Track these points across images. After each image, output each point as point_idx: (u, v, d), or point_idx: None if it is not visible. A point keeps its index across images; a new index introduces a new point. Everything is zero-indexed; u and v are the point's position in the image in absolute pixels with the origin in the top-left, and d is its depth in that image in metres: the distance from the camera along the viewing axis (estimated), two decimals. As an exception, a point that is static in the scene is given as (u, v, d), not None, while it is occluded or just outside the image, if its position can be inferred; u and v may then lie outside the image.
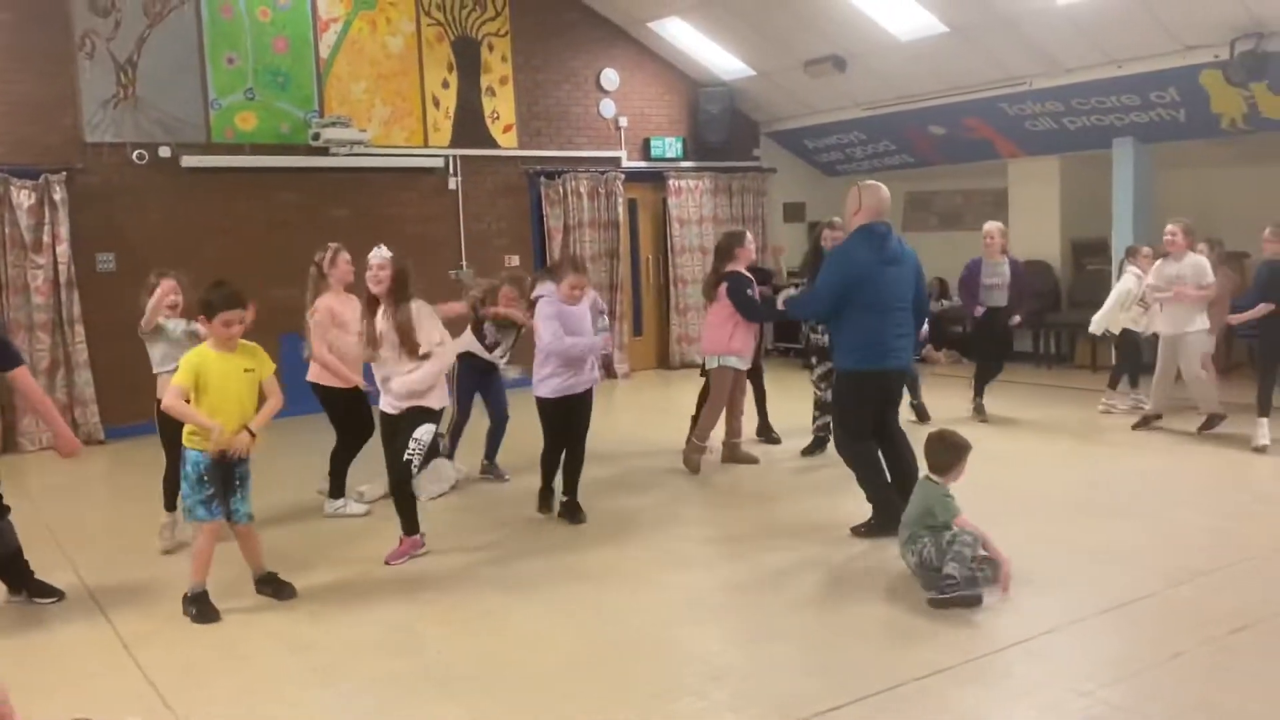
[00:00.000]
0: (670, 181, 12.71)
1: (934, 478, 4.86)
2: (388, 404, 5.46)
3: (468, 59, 11.32)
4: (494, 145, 11.52)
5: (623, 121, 12.35)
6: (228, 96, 9.99)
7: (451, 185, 11.25)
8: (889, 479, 5.59)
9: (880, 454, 5.63)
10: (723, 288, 7.13)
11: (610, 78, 12.22)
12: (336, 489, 6.48)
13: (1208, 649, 3.95)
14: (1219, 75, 9.02)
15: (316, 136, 10.14)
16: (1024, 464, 7.20)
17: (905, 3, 9.94)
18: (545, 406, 6.04)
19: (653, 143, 12.59)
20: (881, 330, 5.44)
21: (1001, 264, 8.82)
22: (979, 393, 8.93)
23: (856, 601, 4.62)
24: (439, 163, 11.13)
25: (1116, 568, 4.91)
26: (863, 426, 5.59)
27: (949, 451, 4.84)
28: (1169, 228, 8.04)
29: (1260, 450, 7.13)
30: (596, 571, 5.21)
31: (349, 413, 6.39)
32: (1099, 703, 3.54)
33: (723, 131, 12.81)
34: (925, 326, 7.99)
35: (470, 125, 11.36)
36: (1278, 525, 5.51)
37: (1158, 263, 8.16)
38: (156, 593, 5.04)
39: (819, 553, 5.33)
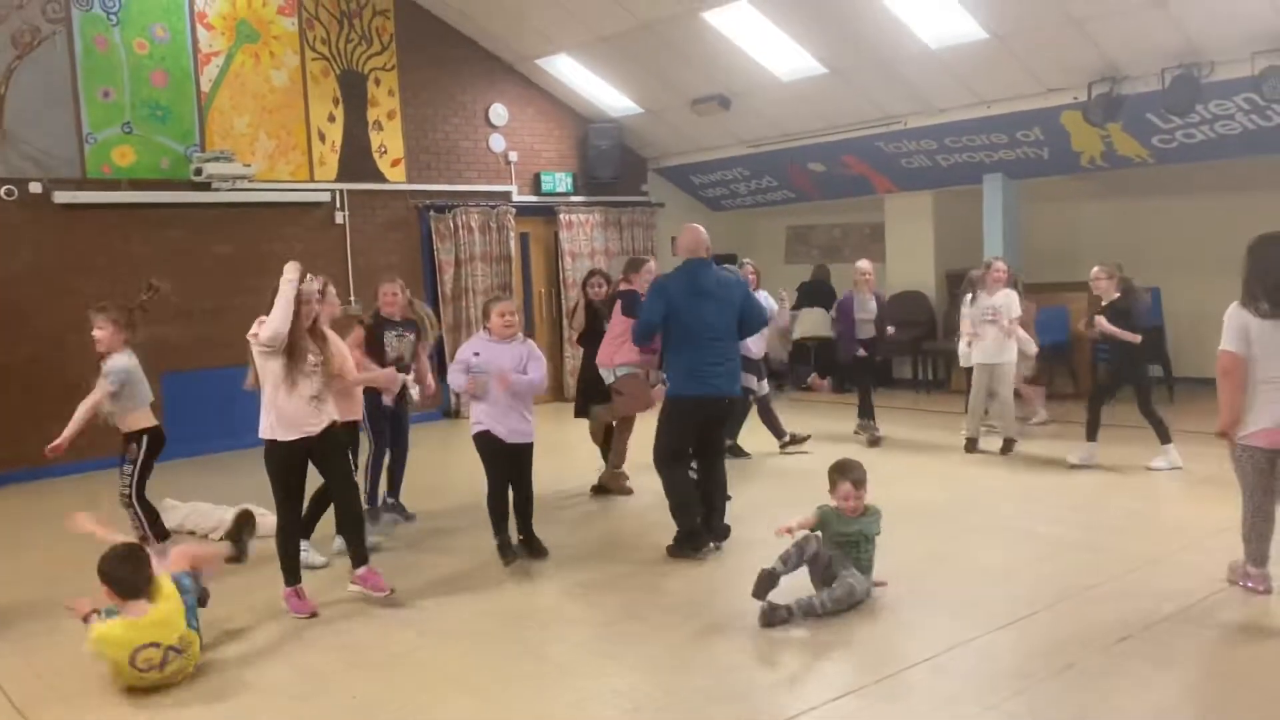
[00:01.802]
0: (561, 215, 12.81)
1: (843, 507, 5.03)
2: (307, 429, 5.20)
3: (354, 93, 11.23)
4: (382, 179, 11.43)
5: (513, 156, 12.41)
6: (103, 131, 9.66)
7: (339, 219, 11.10)
8: (697, 502, 5.97)
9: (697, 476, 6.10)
10: (617, 304, 7.29)
11: (499, 113, 12.27)
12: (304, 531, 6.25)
13: (1098, 659, 4.19)
14: (1078, 116, 9.62)
15: (198, 171, 9.90)
16: (912, 484, 7.47)
17: (787, 44, 10.30)
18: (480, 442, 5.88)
19: (543, 177, 12.68)
20: (696, 359, 5.84)
21: (870, 299, 9.36)
22: (870, 416, 9.36)
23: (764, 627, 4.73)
24: (325, 197, 10.98)
25: (1006, 585, 5.16)
26: (678, 449, 5.98)
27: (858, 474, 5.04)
28: (997, 264, 8.69)
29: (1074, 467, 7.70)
30: (513, 609, 5.20)
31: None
32: (1006, 715, 3.73)
33: (612, 167, 12.99)
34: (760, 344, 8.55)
35: (357, 159, 11.25)
36: (1145, 539, 5.86)
37: (969, 296, 8.82)
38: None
39: (727, 579, 5.43)
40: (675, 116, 12.38)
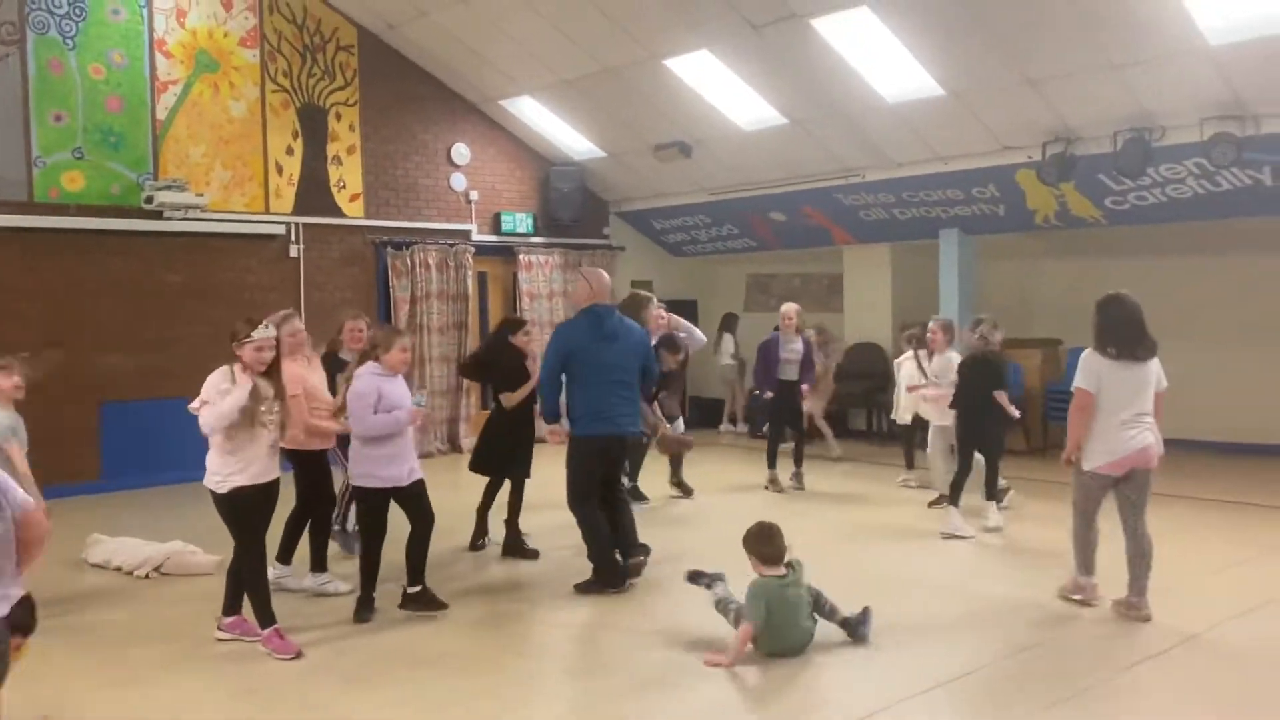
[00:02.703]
0: (521, 256, 12.75)
1: (769, 572, 4.92)
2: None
3: (314, 127, 11.16)
4: (339, 214, 11.33)
5: (473, 195, 12.37)
6: (53, 154, 9.51)
7: (293, 253, 10.98)
8: (609, 539, 6.13)
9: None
10: None
11: (461, 152, 12.25)
12: (317, 562, 6.23)
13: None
14: (1033, 174, 9.73)
15: (150, 199, 9.75)
16: (852, 540, 7.41)
17: (748, 94, 10.37)
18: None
19: (504, 217, 12.64)
20: (600, 399, 6.08)
21: (796, 341, 9.46)
22: (773, 461, 9.41)
23: (703, 679, 4.61)
24: (281, 229, 10.86)
25: (948, 641, 5.09)
26: (588, 488, 6.17)
27: (778, 539, 4.95)
28: (930, 325, 8.70)
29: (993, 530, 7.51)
30: (432, 658, 5.05)
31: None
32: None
33: (573, 209, 12.98)
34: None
35: (315, 193, 11.15)
36: (1079, 605, 5.81)
37: (918, 355, 8.91)
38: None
39: (655, 631, 5.32)
40: (637, 161, 12.41)
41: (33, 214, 9.38)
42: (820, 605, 5.02)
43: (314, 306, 11.02)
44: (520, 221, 12.79)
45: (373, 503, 5.61)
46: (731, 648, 4.79)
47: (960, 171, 10.30)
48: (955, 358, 8.44)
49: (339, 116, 11.34)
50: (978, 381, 7.60)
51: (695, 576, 5.46)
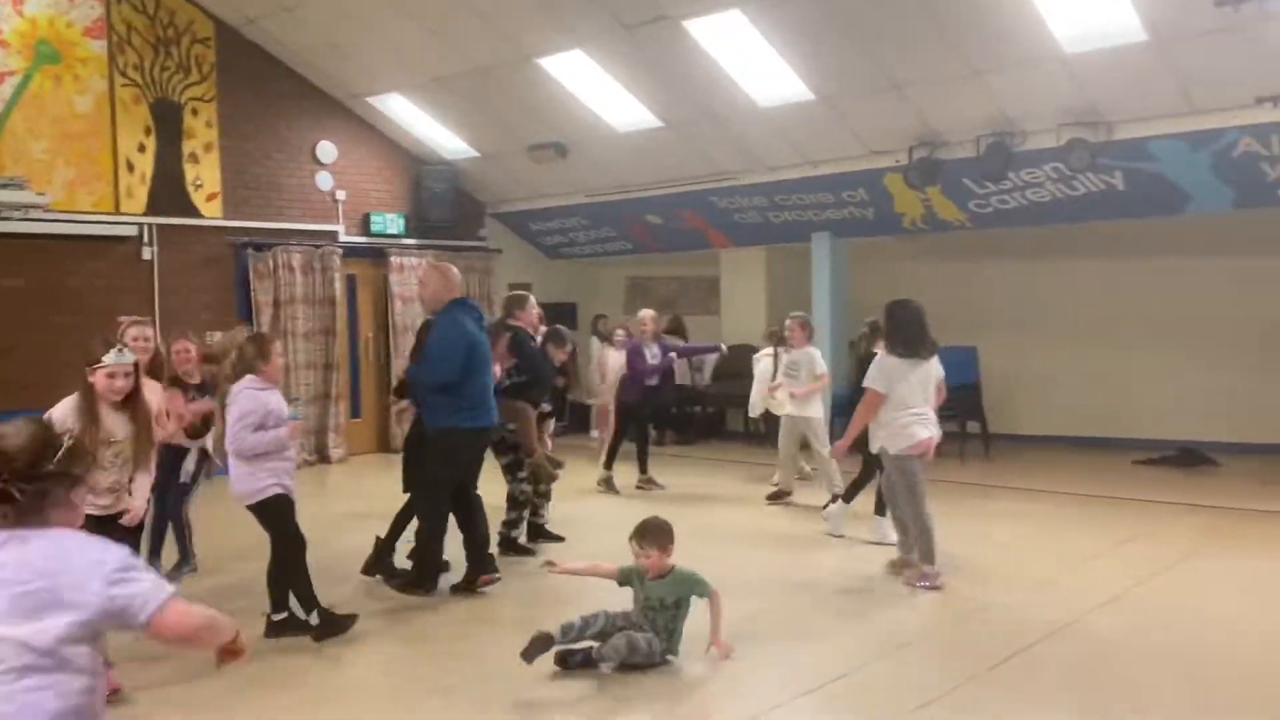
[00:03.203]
0: (392, 258, 12.38)
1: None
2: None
3: (168, 123, 10.59)
4: (196, 214, 10.78)
5: (340, 195, 11.95)
6: (-128, 148, 8.78)
7: (146, 255, 10.39)
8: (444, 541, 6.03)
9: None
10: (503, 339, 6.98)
11: (327, 150, 11.81)
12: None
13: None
14: (900, 178, 9.92)
15: (-16, 198, 9.09)
16: (722, 542, 7.38)
17: (623, 96, 10.28)
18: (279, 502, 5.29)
19: (373, 218, 12.25)
20: (487, 391, 6.04)
21: (654, 346, 9.61)
22: (610, 463, 9.42)
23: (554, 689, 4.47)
24: (132, 230, 10.27)
25: (816, 644, 5.06)
26: (452, 481, 6.02)
27: (665, 535, 4.83)
28: (787, 322, 8.92)
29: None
30: (280, 679, 4.78)
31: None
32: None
33: (447, 210, 12.67)
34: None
35: (169, 192, 10.58)
36: (956, 598, 5.89)
37: (775, 351, 9.20)
38: None
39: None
40: (512, 162, 12.19)
41: None
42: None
43: (170, 312, 10.44)
44: (391, 222, 12.42)
45: (278, 511, 5.23)
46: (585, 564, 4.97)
47: (830, 175, 10.43)
48: (815, 353, 8.68)
49: (195, 112, 10.79)
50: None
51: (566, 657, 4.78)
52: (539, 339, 7.36)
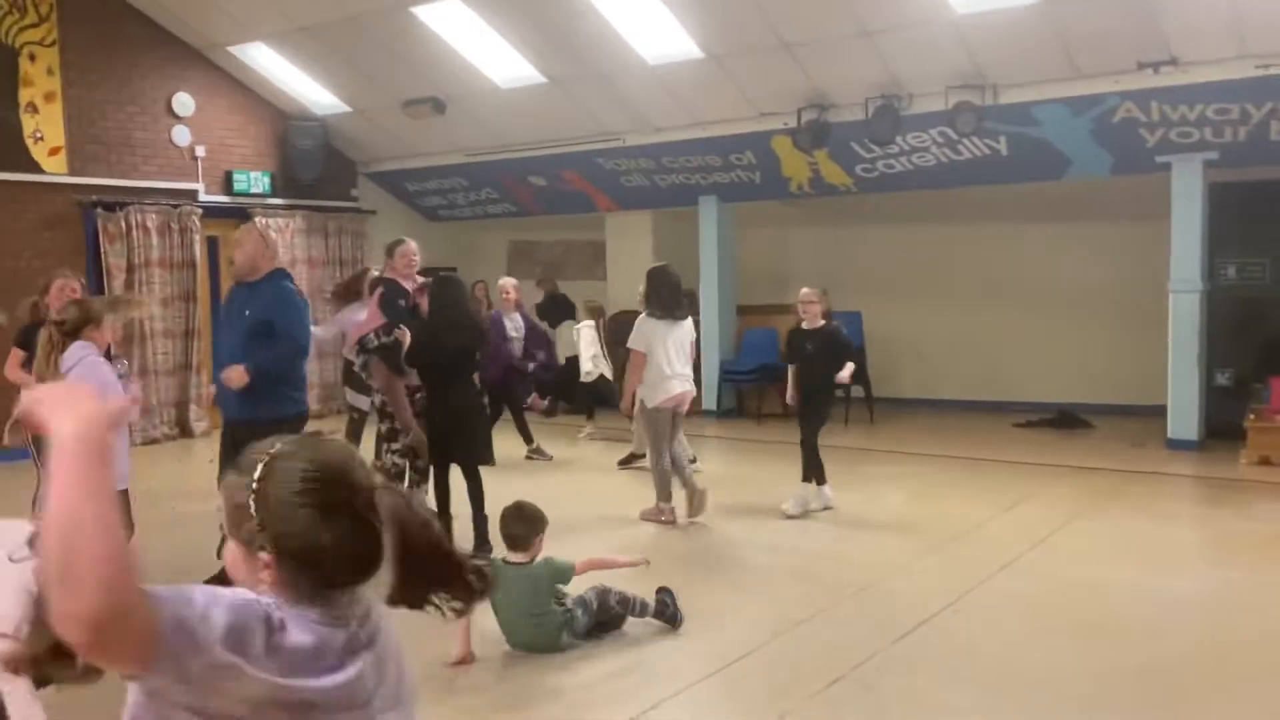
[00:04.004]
0: (258, 219, 11.60)
1: (513, 559, 4.49)
2: None
3: (3, 70, 9.64)
4: (37, 170, 9.88)
5: (200, 151, 11.15)
6: None
7: (-20, 215, 9.50)
8: None
9: None
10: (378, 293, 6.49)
11: (184, 102, 10.99)
12: None
13: (813, 705, 3.94)
14: (788, 141, 9.77)
15: None
16: (609, 518, 7.16)
17: (504, 49, 9.83)
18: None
19: (235, 176, 11.48)
20: (303, 372, 5.66)
21: (516, 316, 9.26)
22: (530, 438, 9.27)
23: (454, 691, 4.16)
24: (-38, 188, 9.36)
25: (718, 621, 4.86)
26: None
27: (530, 523, 4.53)
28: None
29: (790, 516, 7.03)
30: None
31: None
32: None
33: (316, 168, 11.99)
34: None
35: (6, 146, 9.66)
36: (853, 568, 5.78)
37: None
38: None
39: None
40: (387, 118, 11.59)
41: None
42: (611, 607, 4.58)
43: (8, 277, 9.57)
44: (255, 181, 11.67)
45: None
46: (458, 638, 4.30)
47: (718, 138, 10.22)
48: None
49: (33, 58, 9.85)
50: (823, 356, 7.03)
51: None
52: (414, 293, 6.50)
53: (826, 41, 8.61)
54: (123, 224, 10.37)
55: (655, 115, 10.30)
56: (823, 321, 7.29)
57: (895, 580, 5.47)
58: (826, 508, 6.99)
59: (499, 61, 10.09)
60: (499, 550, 4.79)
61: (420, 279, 6.64)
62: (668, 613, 4.67)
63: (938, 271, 11.67)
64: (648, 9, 8.82)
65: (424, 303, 6.37)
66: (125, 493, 4.62)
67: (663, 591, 4.74)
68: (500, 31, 9.58)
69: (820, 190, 10.54)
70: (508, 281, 9.41)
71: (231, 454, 5.29)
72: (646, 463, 7.67)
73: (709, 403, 11.40)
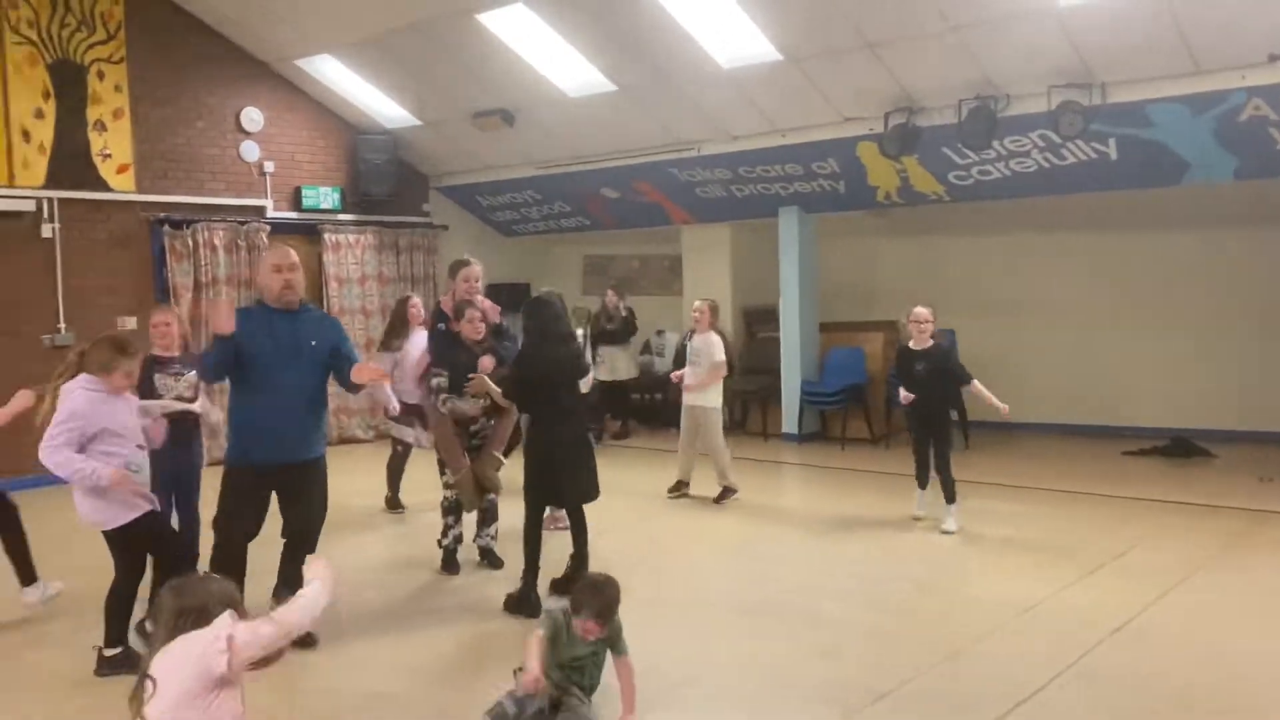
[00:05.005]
0: (327, 236, 11.44)
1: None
2: None
3: (70, 87, 9.57)
4: (104, 188, 9.79)
5: (268, 167, 10.98)
6: None
7: (46, 233, 9.39)
8: None
9: None
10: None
11: (253, 118, 10.84)
12: None
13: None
14: (874, 148, 9.12)
15: None
16: (672, 550, 6.60)
17: (572, 56, 9.39)
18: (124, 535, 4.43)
19: (305, 192, 11.28)
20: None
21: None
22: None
23: None
24: (29, 206, 9.26)
25: (779, 684, 4.28)
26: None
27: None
28: (697, 304, 8.18)
29: (947, 532, 6.82)
30: None
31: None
32: None
33: (387, 183, 11.74)
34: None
35: (73, 163, 9.58)
36: (936, 630, 5.12)
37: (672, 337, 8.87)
38: None
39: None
40: (456, 131, 11.26)
41: None
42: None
43: (74, 295, 9.52)
44: (325, 196, 11.47)
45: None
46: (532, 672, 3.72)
47: (799, 145, 9.61)
48: (714, 338, 7.99)
49: (101, 75, 9.78)
50: (936, 378, 7.02)
51: None
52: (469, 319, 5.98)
53: (914, 39, 7.95)
54: (190, 241, 10.24)
55: (732, 123, 9.75)
56: (932, 341, 7.08)
57: (990, 644, 4.79)
58: (945, 530, 6.82)
59: (567, 69, 9.66)
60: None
61: (486, 302, 6.18)
62: None
63: (1038, 285, 10.85)
64: (722, 10, 8.28)
65: (492, 316, 6.06)
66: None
67: None
68: (568, 37, 9.15)
69: (910, 199, 9.84)
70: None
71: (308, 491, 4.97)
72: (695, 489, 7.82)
73: (789, 426, 10.79)
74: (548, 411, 5.37)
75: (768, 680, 4.40)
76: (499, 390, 5.46)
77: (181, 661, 2.41)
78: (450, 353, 5.87)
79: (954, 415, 9.85)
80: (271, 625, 2.53)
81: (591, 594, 3.81)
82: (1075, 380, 10.64)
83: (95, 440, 4.27)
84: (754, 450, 10.23)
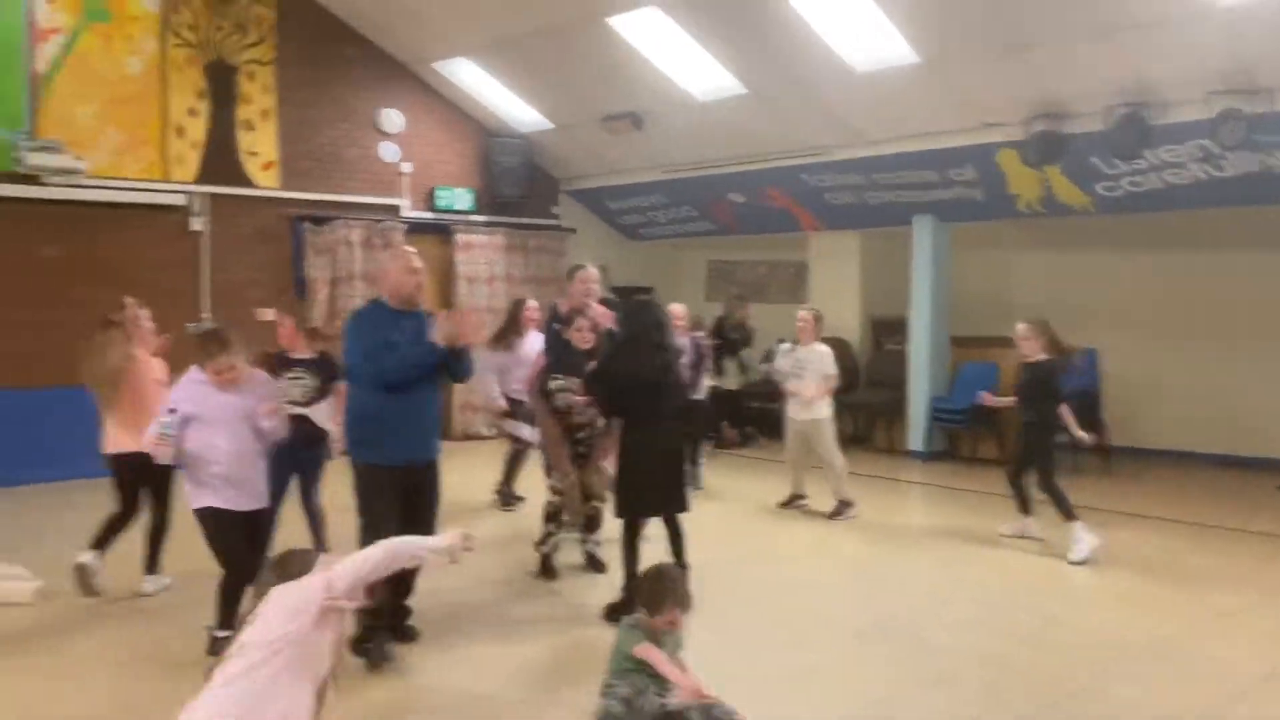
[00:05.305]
0: (459, 236, 11.66)
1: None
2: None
3: (222, 87, 10.02)
4: (250, 184, 10.21)
5: (406, 167, 11.26)
6: (-92, 107, 8.39)
7: (196, 226, 9.85)
8: None
9: None
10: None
11: (392, 119, 11.13)
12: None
13: None
14: (1015, 156, 8.73)
15: (20, 161, 8.62)
16: (802, 568, 6.41)
17: (702, 58, 9.31)
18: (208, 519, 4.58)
19: (439, 192, 11.52)
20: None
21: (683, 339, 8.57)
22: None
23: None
24: (180, 200, 9.73)
25: (885, 711, 4.08)
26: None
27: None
28: (801, 314, 7.96)
29: (1079, 563, 6.43)
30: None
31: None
32: None
33: (519, 185, 11.90)
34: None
35: (222, 160, 10.02)
36: (1047, 671, 4.81)
37: (787, 347, 8.24)
38: None
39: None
40: (586, 134, 11.32)
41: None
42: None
43: (220, 287, 9.95)
44: (459, 198, 11.69)
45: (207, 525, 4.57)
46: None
47: (935, 151, 9.29)
48: (826, 351, 7.79)
49: (252, 76, 10.21)
50: (1027, 392, 6.93)
51: None
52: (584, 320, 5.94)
53: (1060, 42, 7.56)
54: (329, 238, 10.57)
55: (865, 127, 9.48)
56: (1043, 355, 6.86)
57: (1116, 684, 4.46)
58: (1025, 535, 6.91)
59: (697, 72, 9.58)
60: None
61: (600, 309, 6.11)
62: None
63: (1191, 304, 10.18)
64: (856, 11, 8.06)
65: (604, 324, 5.93)
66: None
67: None
68: (698, 40, 9.07)
69: (1053, 210, 9.38)
70: (677, 308, 8.26)
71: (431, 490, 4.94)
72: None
73: (915, 443, 10.43)
74: (632, 418, 5.32)
75: (871, 707, 4.20)
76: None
77: (283, 596, 2.82)
78: (562, 353, 5.88)
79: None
80: (379, 550, 2.97)
81: (667, 586, 3.81)
82: (1228, 407, 9.92)
83: (187, 425, 4.43)
84: (876, 466, 9.91)
